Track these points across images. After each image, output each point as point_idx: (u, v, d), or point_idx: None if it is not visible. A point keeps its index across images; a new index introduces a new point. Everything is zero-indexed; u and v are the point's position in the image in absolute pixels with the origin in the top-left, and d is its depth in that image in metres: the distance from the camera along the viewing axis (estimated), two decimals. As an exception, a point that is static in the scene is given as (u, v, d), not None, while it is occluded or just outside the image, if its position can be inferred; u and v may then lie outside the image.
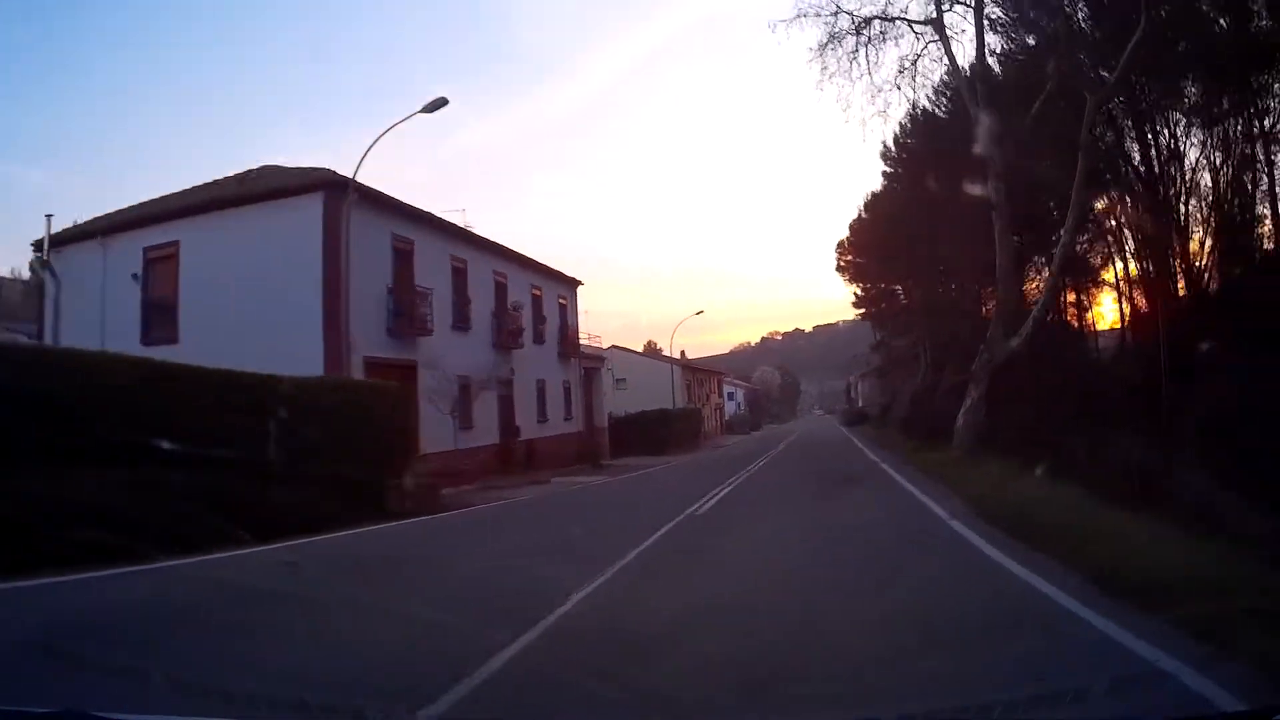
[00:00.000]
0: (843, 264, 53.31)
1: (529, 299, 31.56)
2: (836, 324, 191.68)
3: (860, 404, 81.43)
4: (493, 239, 29.49)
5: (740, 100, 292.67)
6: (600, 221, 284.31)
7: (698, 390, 63.52)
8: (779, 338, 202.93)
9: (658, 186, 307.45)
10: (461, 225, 27.94)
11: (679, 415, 47.83)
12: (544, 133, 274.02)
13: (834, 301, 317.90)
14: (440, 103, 19.30)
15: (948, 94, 29.76)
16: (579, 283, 37.04)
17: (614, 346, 57.72)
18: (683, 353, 65.76)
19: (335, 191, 20.60)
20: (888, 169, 40.58)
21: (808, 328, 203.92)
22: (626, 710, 4.03)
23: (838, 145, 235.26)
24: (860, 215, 49.56)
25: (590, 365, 38.21)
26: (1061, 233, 19.14)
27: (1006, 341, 18.47)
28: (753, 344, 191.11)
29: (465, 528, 13.36)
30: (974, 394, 18.29)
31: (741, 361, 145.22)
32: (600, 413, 39.08)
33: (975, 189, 22.14)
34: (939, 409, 23.66)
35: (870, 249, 46.91)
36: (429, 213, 25.62)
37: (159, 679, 4.18)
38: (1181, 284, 21.52)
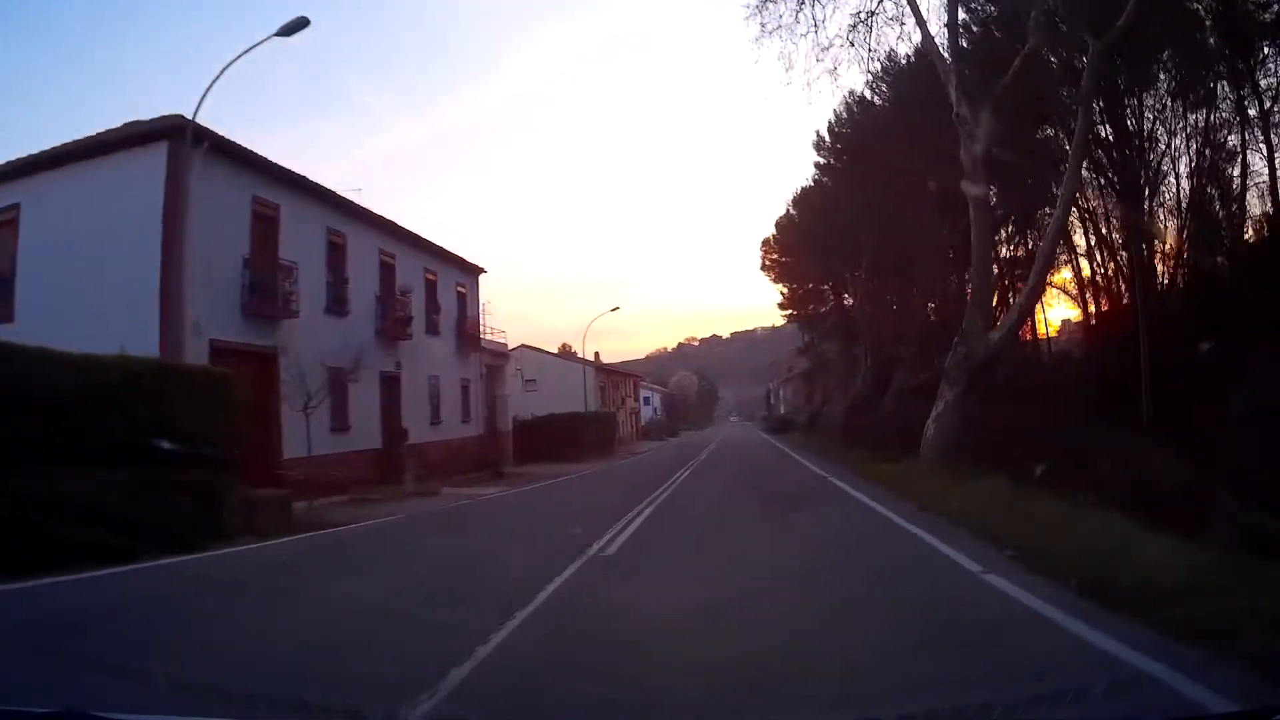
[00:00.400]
0: (768, 263, 50.93)
1: (422, 284, 27.65)
2: (754, 331, 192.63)
3: (783, 410, 79.36)
4: (381, 214, 25.58)
5: (658, 106, 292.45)
6: (514, 227, 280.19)
7: (613, 394, 60.27)
8: (696, 343, 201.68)
9: (575, 192, 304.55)
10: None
11: (591, 419, 44.27)
12: (457, 135, 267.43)
13: (753, 309, 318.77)
14: (300, 23, 15.51)
15: (888, 78, 27.42)
16: (481, 270, 33.10)
17: (524, 346, 54.32)
18: (597, 354, 62.43)
19: (182, 141, 16.61)
20: (820, 160, 38.04)
21: (725, 334, 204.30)
22: None
23: (759, 150, 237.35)
24: (789, 212, 47.24)
25: (493, 363, 34.40)
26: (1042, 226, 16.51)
27: (987, 335, 15.67)
28: (669, 349, 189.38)
29: (263, 569, 9.44)
30: (948, 395, 15.33)
31: (658, 367, 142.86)
32: (504, 415, 35.30)
33: (933, 173, 19.57)
34: (891, 414, 20.96)
35: (799, 247, 44.44)
36: (302, 176, 21.64)
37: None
38: (1162, 278, 19.41)
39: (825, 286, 45.48)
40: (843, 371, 40.26)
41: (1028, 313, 16.31)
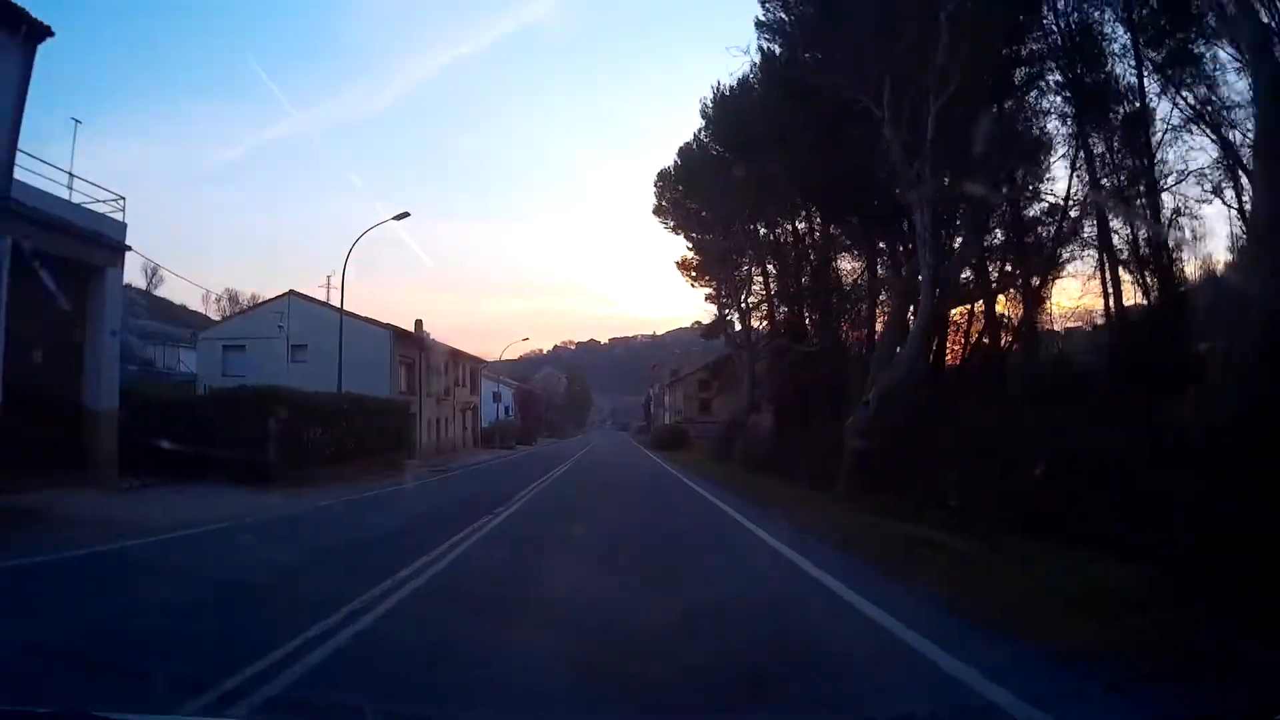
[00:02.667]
0: (664, 203, 34.48)
1: None
2: (635, 338, 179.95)
3: (668, 420, 62.65)
4: None
5: (537, 121, 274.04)
6: (400, 224, 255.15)
7: (433, 379, 42.01)
8: (573, 347, 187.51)
9: (458, 192, 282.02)
10: None
11: (337, 411, 25.15)
12: (346, 133, 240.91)
13: (634, 317, 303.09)
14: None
15: None
16: (42, 31, 13.97)
17: (293, 293, 36.04)
18: (418, 323, 43.73)
19: None
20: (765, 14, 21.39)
21: (604, 340, 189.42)
22: None
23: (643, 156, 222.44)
24: (697, 136, 30.87)
25: (65, 252, 15.77)
26: None
27: None
28: (544, 351, 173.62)
29: None
30: None
31: (529, 368, 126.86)
32: (96, 379, 16.76)
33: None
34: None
35: (717, 171, 28.02)
36: None
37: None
38: None
39: (756, 225, 29.29)
40: (798, 359, 22.88)
41: None
